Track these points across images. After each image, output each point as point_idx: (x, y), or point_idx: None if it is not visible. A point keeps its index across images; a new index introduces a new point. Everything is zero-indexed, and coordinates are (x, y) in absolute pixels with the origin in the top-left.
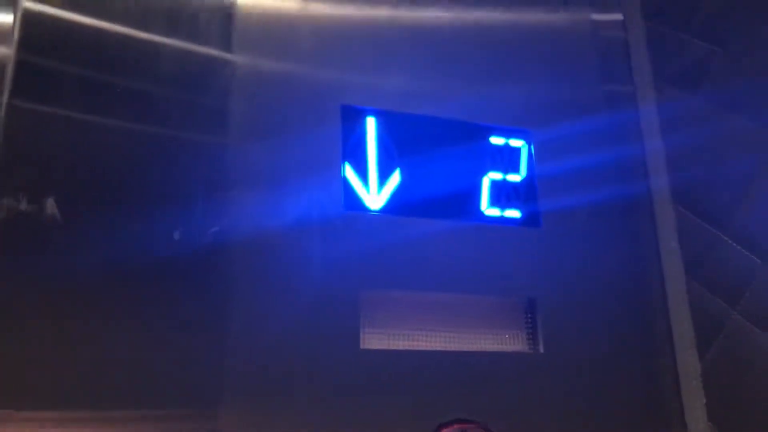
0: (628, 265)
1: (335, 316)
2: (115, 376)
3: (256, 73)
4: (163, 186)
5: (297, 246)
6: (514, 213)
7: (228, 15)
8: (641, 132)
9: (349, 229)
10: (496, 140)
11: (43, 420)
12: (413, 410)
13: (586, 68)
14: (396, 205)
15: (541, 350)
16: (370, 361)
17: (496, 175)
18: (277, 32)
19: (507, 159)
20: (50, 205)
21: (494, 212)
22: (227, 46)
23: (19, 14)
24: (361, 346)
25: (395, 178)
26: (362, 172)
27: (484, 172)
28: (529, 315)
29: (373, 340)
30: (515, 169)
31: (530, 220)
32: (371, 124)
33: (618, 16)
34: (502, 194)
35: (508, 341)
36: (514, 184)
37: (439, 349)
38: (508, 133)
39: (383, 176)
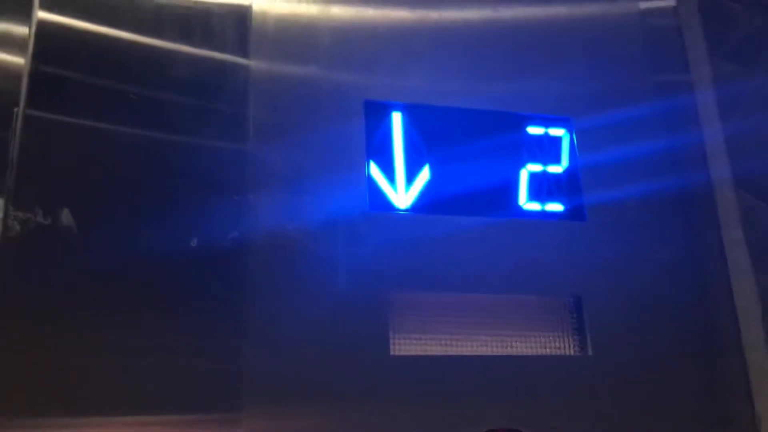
0: (686, 260)
1: (363, 321)
2: (136, 382)
3: (273, 73)
4: (180, 192)
5: (321, 249)
6: (556, 206)
7: (244, 19)
8: (697, 114)
9: (375, 230)
10: (535, 130)
11: (67, 426)
12: (449, 421)
13: (633, 48)
14: (425, 202)
15: (590, 353)
16: (401, 368)
17: (535, 167)
18: (294, 32)
19: (546, 149)
20: (66, 216)
21: (534, 206)
22: (244, 50)
23: (34, 25)
24: (392, 353)
25: (424, 175)
26: (388, 170)
27: (521, 165)
28: (575, 315)
29: (404, 346)
30: (556, 160)
31: (574, 213)
32: (397, 119)
33: None
34: (543, 187)
35: (552, 344)
36: (555, 176)
37: (476, 354)
38: (547, 122)
39: (411, 173)
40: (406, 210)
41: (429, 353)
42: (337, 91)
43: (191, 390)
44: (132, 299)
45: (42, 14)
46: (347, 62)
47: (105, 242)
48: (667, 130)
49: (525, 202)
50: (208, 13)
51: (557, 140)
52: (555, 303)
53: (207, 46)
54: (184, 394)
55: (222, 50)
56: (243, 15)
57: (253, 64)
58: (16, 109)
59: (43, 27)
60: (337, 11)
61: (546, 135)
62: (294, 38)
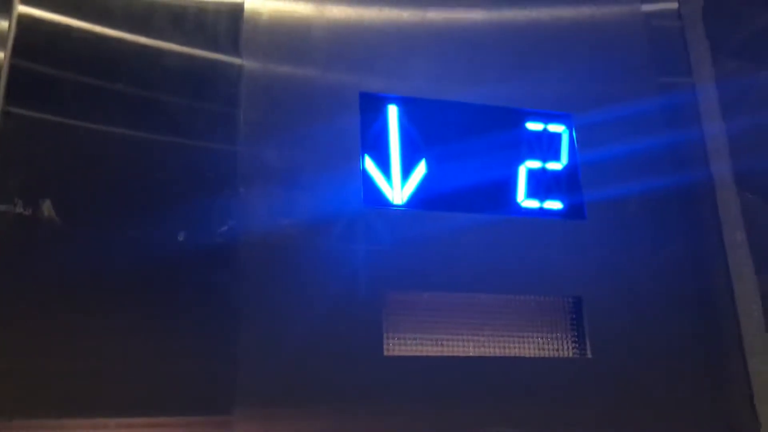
0: (687, 260)
1: (356, 320)
2: (125, 384)
3: (266, 70)
4: (168, 187)
5: (314, 245)
6: (555, 204)
7: (235, 16)
8: (699, 112)
9: (370, 226)
10: (534, 126)
11: (52, 428)
12: (444, 424)
13: (635, 47)
14: (422, 198)
15: (589, 355)
16: (394, 368)
17: (534, 164)
18: (287, 28)
19: (546, 146)
20: (47, 208)
21: (532, 204)
22: (235, 48)
23: (14, 19)
24: (385, 353)
25: (420, 170)
26: (384, 165)
27: (520, 161)
28: (574, 316)
29: (398, 346)
30: (555, 157)
31: (574, 211)
32: (393, 112)
33: None
34: (541, 184)
35: (550, 345)
36: (554, 173)
37: (472, 355)
38: (547, 118)
39: (407, 168)
40: (401, 206)
41: (424, 354)
42: (331, 83)
43: (181, 392)
44: (118, 298)
45: (22, 8)
46: (342, 55)
47: (90, 239)
48: (669, 128)
49: (523, 199)
50: (199, 10)
51: (557, 136)
52: (553, 303)
53: (197, 43)
54: (173, 396)
55: (213, 48)
56: (235, 12)
57: (245, 61)
58: None
59: (24, 21)
60: (333, 6)
61: (545, 131)
62: (287, 34)
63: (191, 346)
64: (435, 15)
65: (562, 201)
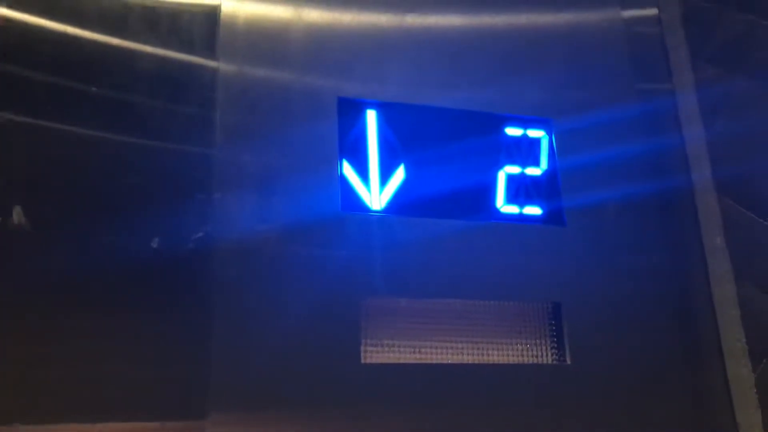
0: (667, 266)
1: (333, 327)
2: (97, 390)
3: (242, 74)
4: (141, 191)
5: (290, 251)
6: (534, 210)
7: (212, 19)
8: (679, 119)
9: (347, 232)
10: (513, 131)
11: None
12: None
13: (615, 54)
14: (400, 204)
15: (568, 361)
16: (372, 376)
17: (513, 169)
18: (264, 31)
19: (525, 151)
20: (17, 214)
21: (511, 209)
22: (212, 51)
23: None
24: (363, 360)
25: (399, 175)
26: (362, 170)
27: (499, 166)
28: (554, 322)
29: (375, 354)
30: (535, 163)
31: (553, 217)
32: (372, 117)
33: None
34: (521, 190)
35: (530, 352)
36: (533, 179)
37: (450, 362)
38: (526, 123)
39: (385, 173)
40: (379, 211)
41: (401, 361)
42: (309, 88)
43: (155, 397)
44: (91, 304)
45: None
46: (320, 59)
47: (62, 245)
48: (649, 134)
49: (502, 204)
50: (174, 12)
51: (536, 142)
52: (533, 309)
53: (172, 45)
54: (147, 402)
55: (188, 50)
56: (211, 15)
57: (221, 64)
58: None
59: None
60: (311, 9)
61: (525, 136)
62: (265, 38)
63: (165, 352)
64: (414, 20)
65: (542, 207)
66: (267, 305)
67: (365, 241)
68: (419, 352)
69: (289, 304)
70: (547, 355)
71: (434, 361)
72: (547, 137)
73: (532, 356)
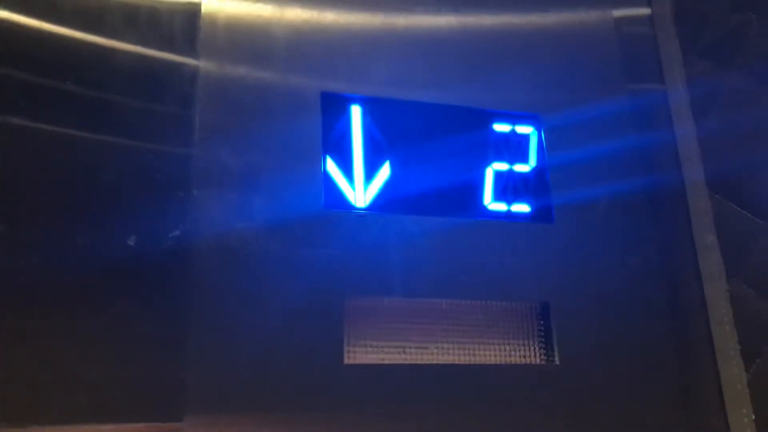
0: (658, 264)
1: (315, 327)
2: (73, 391)
3: (223, 70)
4: (116, 189)
5: (271, 250)
6: (522, 207)
7: (192, 17)
8: (670, 115)
9: (330, 230)
10: (501, 127)
11: None
12: None
13: (606, 50)
14: (385, 201)
15: (557, 361)
16: (355, 377)
17: (501, 166)
18: (246, 27)
19: (513, 147)
20: None
21: (499, 207)
22: (192, 49)
23: None
24: (345, 361)
25: (384, 172)
26: (346, 167)
27: (487, 163)
28: (542, 322)
29: (358, 354)
30: (523, 159)
31: (541, 215)
32: (356, 112)
33: None
34: (509, 187)
35: (518, 352)
36: (522, 176)
37: (436, 363)
38: (514, 119)
39: (370, 170)
40: (364, 209)
41: (385, 362)
42: (291, 83)
43: (130, 399)
44: (66, 304)
45: None
46: (303, 54)
47: (35, 244)
48: (639, 131)
49: (490, 202)
50: (154, 10)
51: (525, 138)
52: (521, 309)
53: (151, 42)
54: (122, 403)
55: (167, 47)
56: (191, 13)
57: (201, 61)
58: None
59: None
60: (293, 6)
61: (513, 132)
62: (246, 34)
63: (141, 353)
64: (399, 14)
65: (530, 204)
66: (246, 305)
67: (349, 239)
68: (404, 352)
69: (269, 304)
70: (535, 355)
71: (419, 362)
72: (536, 133)
73: (520, 356)
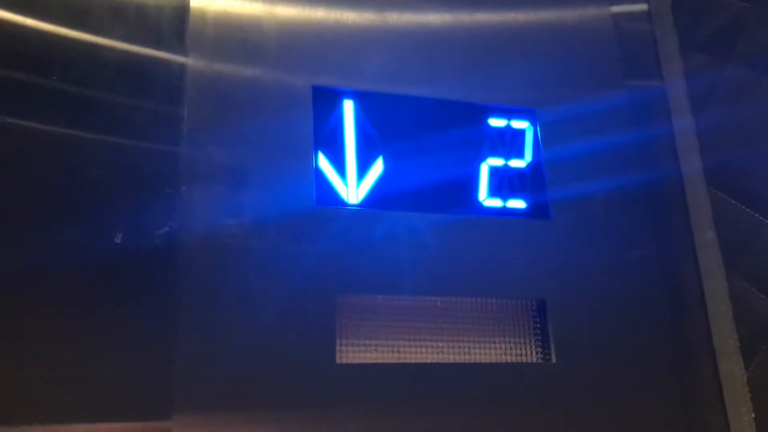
0: (656, 261)
1: (307, 325)
2: (61, 391)
3: (212, 66)
4: (103, 186)
5: (262, 247)
6: (518, 203)
7: (181, 14)
8: (668, 109)
9: (322, 227)
10: (496, 122)
11: None
12: None
13: (604, 45)
14: (378, 197)
15: (553, 360)
16: (347, 377)
17: (497, 161)
18: (236, 23)
19: (509, 143)
20: None
21: (495, 203)
22: (181, 46)
23: None
24: (338, 360)
25: (377, 168)
26: (338, 162)
27: (482, 158)
28: (538, 319)
29: (351, 353)
30: (519, 154)
31: (537, 211)
32: (349, 107)
33: None
34: (504, 182)
35: (513, 350)
36: (517, 171)
37: (430, 362)
38: (510, 114)
39: (363, 166)
40: (356, 205)
41: (379, 361)
42: (282, 77)
43: (119, 397)
44: (53, 302)
45: None
46: (294, 50)
47: (22, 241)
48: (637, 126)
49: (485, 198)
50: (142, 5)
51: (520, 133)
52: (517, 306)
53: (138, 38)
54: (111, 402)
55: (155, 43)
56: (180, 8)
57: (190, 57)
58: None
59: None
60: (284, 1)
61: (508, 127)
62: (236, 28)
63: (129, 351)
64: (393, 7)
65: (526, 200)
66: (236, 303)
67: (341, 236)
68: (397, 351)
69: (259, 302)
70: (531, 353)
71: (413, 361)
72: (531, 128)
73: (516, 355)
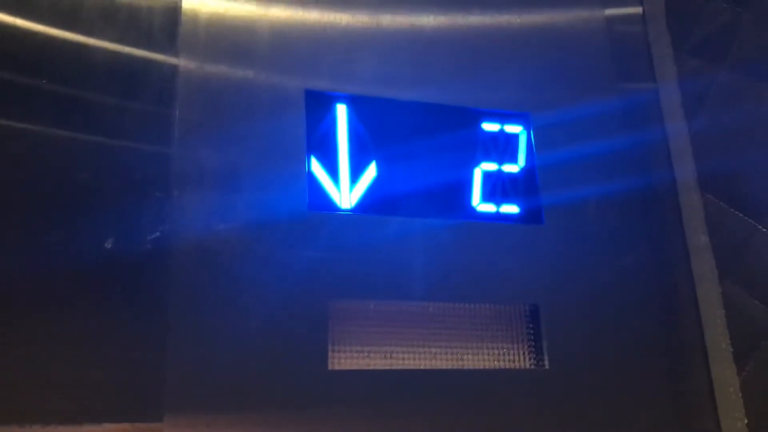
0: (649, 265)
1: (299, 331)
2: (52, 392)
3: (204, 69)
4: (93, 190)
5: (253, 252)
6: (511, 208)
7: (172, 15)
8: (661, 114)
9: (315, 232)
10: (490, 126)
11: None
12: None
13: (596, 47)
14: (371, 202)
15: (546, 366)
16: (339, 383)
17: (490, 166)
18: (228, 26)
19: (502, 147)
20: None
21: (488, 208)
22: (172, 47)
23: None
24: (330, 366)
25: (370, 172)
26: (331, 167)
27: (475, 163)
28: (531, 325)
29: (343, 359)
30: (512, 159)
31: (531, 215)
32: (342, 111)
33: None
34: (497, 187)
35: (506, 356)
36: (511, 176)
37: (423, 368)
38: (503, 118)
39: (356, 170)
40: (349, 210)
41: (371, 367)
42: (275, 81)
43: (110, 399)
44: (44, 306)
45: None
46: (287, 53)
47: (11, 245)
48: (630, 130)
49: (478, 203)
50: (133, 6)
51: (514, 138)
52: (509, 312)
53: (129, 40)
54: (102, 404)
55: (146, 45)
56: (171, 9)
57: (182, 59)
58: None
59: None
60: (277, 3)
61: (502, 132)
62: (228, 30)
63: (120, 354)
64: (386, 11)
65: (519, 205)
66: (227, 308)
67: (333, 241)
68: (390, 357)
69: (251, 307)
70: (524, 359)
71: (406, 367)
72: (525, 133)
73: (509, 361)
